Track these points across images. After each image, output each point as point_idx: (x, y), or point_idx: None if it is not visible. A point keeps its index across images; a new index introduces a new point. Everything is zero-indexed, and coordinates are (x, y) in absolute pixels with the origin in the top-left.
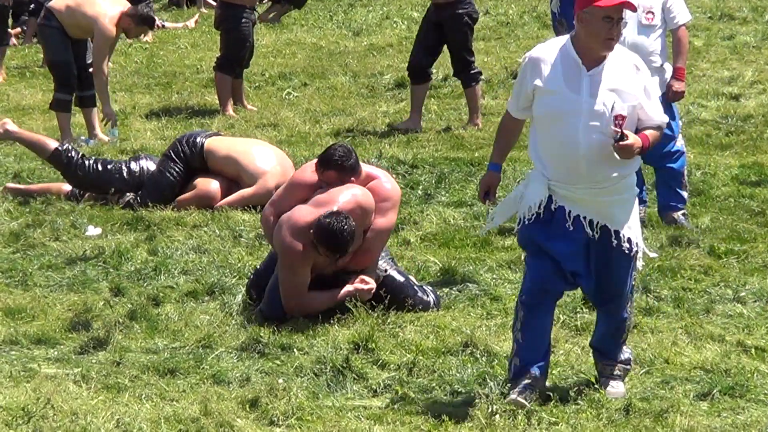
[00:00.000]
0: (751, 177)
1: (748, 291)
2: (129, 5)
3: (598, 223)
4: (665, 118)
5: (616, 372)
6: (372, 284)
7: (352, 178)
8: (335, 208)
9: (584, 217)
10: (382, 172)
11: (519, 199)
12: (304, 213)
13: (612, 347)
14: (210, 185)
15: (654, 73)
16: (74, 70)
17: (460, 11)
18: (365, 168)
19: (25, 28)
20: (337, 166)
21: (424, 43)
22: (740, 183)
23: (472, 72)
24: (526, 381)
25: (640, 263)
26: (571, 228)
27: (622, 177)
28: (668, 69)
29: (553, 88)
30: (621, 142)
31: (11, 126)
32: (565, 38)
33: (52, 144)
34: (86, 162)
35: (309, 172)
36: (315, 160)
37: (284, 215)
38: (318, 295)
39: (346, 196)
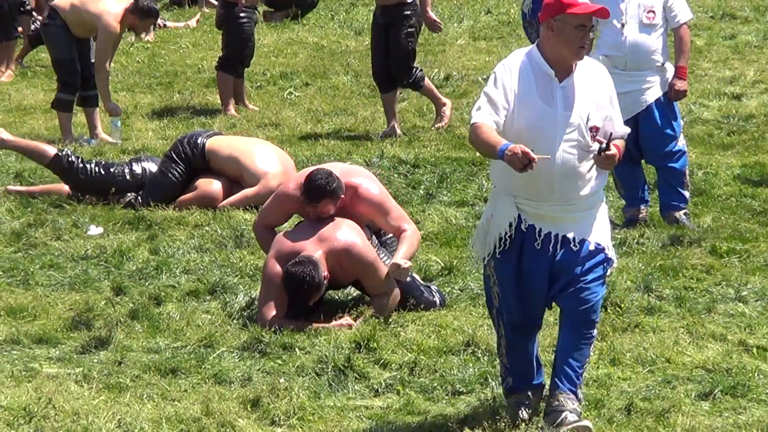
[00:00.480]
0: (753, 176)
1: (750, 290)
2: (131, 1)
3: (574, 238)
4: (628, 129)
5: (577, 407)
6: (351, 323)
7: (342, 196)
8: (317, 254)
9: (555, 234)
10: (358, 176)
11: (488, 223)
12: (293, 241)
13: (576, 368)
14: (212, 186)
15: (655, 72)
16: (78, 69)
17: (407, 12)
18: (342, 176)
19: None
20: (328, 193)
21: (379, 50)
22: (742, 183)
23: (415, 77)
24: (525, 400)
25: (610, 268)
26: (539, 247)
27: (592, 194)
28: (669, 68)
29: (527, 101)
30: (607, 152)
31: (6, 135)
32: (528, 49)
33: (51, 150)
34: (88, 166)
35: (294, 186)
36: (300, 175)
37: (279, 235)
38: (293, 322)
39: (345, 236)
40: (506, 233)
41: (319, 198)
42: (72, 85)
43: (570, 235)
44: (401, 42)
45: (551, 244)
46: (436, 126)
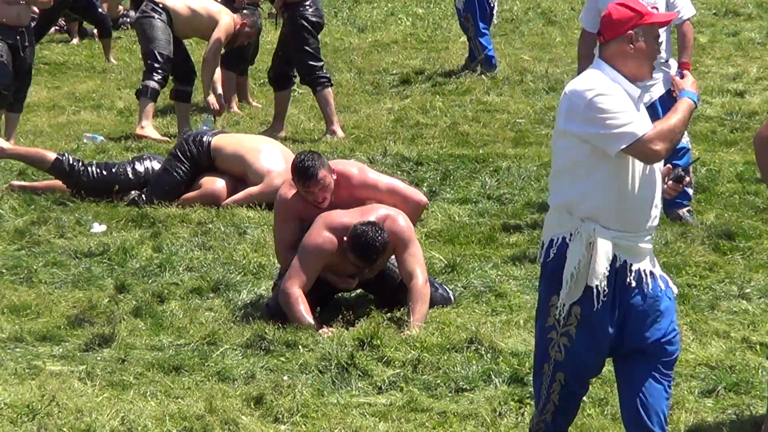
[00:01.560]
0: (756, 174)
1: (753, 287)
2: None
3: (652, 272)
4: None
5: None
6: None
7: (334, 174)
8: (372, 219)
9: (645, 270)
10: (350, 167)
11: (582, 265)
12: (341, 216)
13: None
14: (215, 184)
15: (659, 69)
16: (170, 65)
17: (301, 9)
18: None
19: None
20: (320, 163)
21: (280, 48)
22: (745, 180)
23: (316, 76)
24: None
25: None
26: (633, 284)
27: None
28: (673, 65)
29: None
30: (687, 179)
31: (5, 144)
32: (603, 70)
33: (51, 155)
34: (89, 168)
35: (285, 187)
36: (286, 186)
37: (323, 214)
38: (302, 313)
39: (384, 208)
40: (607, 268)
41: (313, 171)
42: (163, 75)
43: (656, 271)
44: (294, 45)
45: (642, 281)
46: (325, 135)
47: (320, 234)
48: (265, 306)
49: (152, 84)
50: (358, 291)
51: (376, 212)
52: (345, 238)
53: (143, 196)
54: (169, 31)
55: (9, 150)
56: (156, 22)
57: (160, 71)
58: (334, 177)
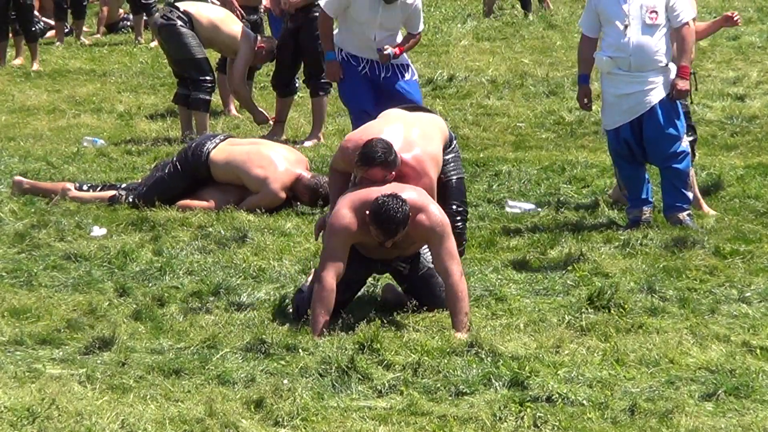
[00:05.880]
0: (757, 177)
1: (753, 291)
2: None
3: None
4: None
5: None
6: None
7: (393, 172)
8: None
9: None
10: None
11: None
12: (364, 192)
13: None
14: (218, 202)
15: (659, 73)
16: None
17: (317, 14)
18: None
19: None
20: (379, 162)
21: (287, 55)
22: (745, 183)
23: (323, 81)
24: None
25: None
26: None
27: None
28: (673, 69)
29: None
30: None
31: (73, 189)
32: None
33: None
34: (134, 194)
35: (353, 146)
36: (364, 135)
37: (345, 193)
38: (322, 317)
39: (413, 190)
40: None
41: (370, 164)
42: (210, 84)
43: None
44: (312, 46)
45: None
46: (308, 139)
47: (344, 214)
48: (297, 293)
49: (204, 96)
50: (359, 293)
51: (401, 191)
52: (367, 212)
53: (134, 196)
54: (196, 36)
55: (74, 195)
56: (183, 29)
57: (206, 81)
58: (391, 174)
